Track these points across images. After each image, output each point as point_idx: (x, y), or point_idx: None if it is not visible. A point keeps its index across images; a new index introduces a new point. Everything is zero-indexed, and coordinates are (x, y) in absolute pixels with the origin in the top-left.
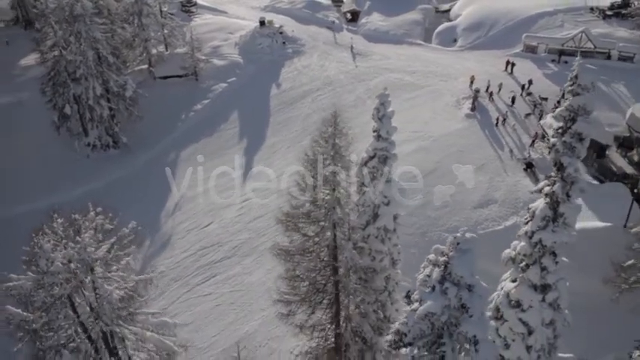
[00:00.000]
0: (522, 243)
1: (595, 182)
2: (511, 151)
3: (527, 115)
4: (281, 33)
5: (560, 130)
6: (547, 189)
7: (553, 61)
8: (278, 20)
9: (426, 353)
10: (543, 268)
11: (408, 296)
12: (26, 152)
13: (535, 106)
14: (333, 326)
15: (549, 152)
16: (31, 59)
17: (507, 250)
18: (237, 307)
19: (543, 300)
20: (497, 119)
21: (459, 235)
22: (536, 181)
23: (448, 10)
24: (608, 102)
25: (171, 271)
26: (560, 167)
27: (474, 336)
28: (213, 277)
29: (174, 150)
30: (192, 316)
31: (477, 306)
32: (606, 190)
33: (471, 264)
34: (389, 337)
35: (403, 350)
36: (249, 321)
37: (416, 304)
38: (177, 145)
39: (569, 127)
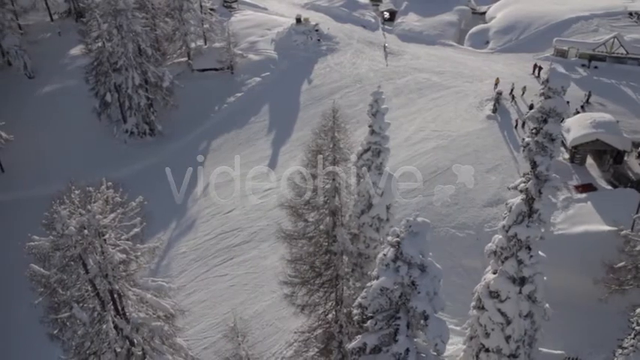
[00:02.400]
0: (500, 236)
1: (609, 187)
2: None
3: None
4: (317, 30)
5: (533, 131)
6: (522, 186)
7: (583, 65)
8: (316, 18)
9: (384, 326)
10: (520, 262)
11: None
12: (70, 136)
13: None
14: (330, 308)
15: (523, 151)
16: (78, 49)
17: (489, 244)
18: (249, 288)
19: (520, 292)
20: (517, 121)
21: (411, 219)
22: None
23: (485, 12)
24: (635, 109)
25: (192, 252)
26: (533, 165)
27: (424, 311)
28: (230, 259)
29: (207, 139)
30: (208, 294)
31: (428, 284)
32: (618, 195)
33: (422, 245)
34: (354, 311)
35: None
36: (259, 301)
37: (374, 281)
38: (210, 134)
39: (541, 128)
